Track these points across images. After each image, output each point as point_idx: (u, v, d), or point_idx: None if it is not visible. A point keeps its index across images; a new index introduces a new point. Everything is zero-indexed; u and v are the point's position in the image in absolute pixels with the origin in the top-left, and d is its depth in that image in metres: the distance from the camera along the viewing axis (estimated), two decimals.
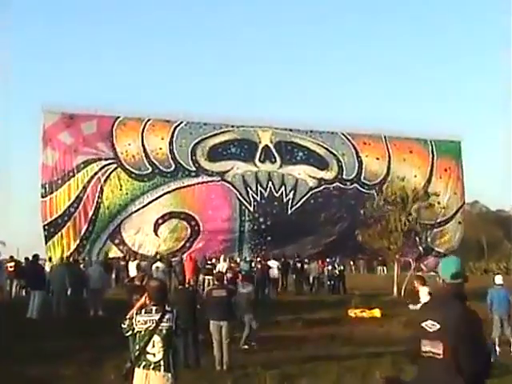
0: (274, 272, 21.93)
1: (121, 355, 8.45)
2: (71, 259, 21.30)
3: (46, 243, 24.28)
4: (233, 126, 28.04)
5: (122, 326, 5.05)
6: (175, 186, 26.24)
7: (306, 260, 24.79)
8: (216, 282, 10.71)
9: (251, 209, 26.80)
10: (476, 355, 3.31)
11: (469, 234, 34.57)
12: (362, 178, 28.63)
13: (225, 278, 17.88)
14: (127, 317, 5.05)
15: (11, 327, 11.94)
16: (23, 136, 68.42)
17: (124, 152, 25.89)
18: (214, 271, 18.87)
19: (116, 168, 25.63)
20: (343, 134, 29.31)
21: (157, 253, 23.95)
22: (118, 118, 26.39)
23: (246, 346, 10.78)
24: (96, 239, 25.09)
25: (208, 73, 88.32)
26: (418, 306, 9.18)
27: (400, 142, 30.00)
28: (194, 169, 26.57)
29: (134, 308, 5.15)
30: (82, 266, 20.33)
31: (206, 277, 20.53)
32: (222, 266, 20.80)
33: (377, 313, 15.92)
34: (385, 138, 29.68)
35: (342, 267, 23.99)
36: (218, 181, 26.76)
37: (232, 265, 21.52)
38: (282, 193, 27.42)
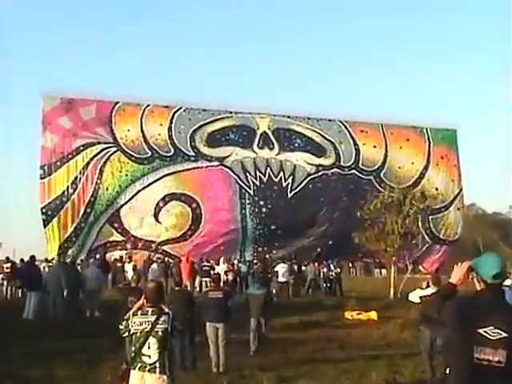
0: (282, 275, 21.43)
1: (117, 356, 8.43)
2: (68, 260, 21.20)
3: (45, 227, 24.17)
4: (231, 113, 28.29)
5: (120, 327, 5.05)
6: (175, 169, 26.33)
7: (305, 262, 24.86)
8: (212, 284, 10.69)
9: (251, 192, 26.92)
10: None
11: (465, 236, 34.66)
12: (359, 164, 28.84)
13: (225, 279, 18.06)
14: (124, 318, 5.05)
15: (7, 328, 11.90)
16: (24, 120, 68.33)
17: (123, 137, 26.05)
18: (212, 272, 18.80)
19: (116, 151, 25.72)
20: (340, 122, 29.53)
21: (157, 246, 23.76)
22: (117, 103, 26.46)
23: (253, 349, 10.51)
24: (95, 222, 24.97)
25: (207, 59, 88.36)
26: (418, 293, 9.18)
27: (397, 130, 30.38)
28: (193, 154, 26.71)
29: (130, 309, 5.16)
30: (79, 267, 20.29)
31: (204, 279, 20.42)
32: (221, 268, 20.69)
33: (373, 315, 15.90)
34: (382, 126, 29.92)
35: (338, 269, 23.98)
36: (218, 165, 26.91)
37: (230, 267, 21.54)
38: (280, 178, 27.66)
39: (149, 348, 4.86)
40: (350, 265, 33.01)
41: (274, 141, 28.12)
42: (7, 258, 20.80)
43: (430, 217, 28.08)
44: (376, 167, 29.04)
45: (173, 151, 26.49)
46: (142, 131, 26.40)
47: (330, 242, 27.25)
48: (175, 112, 27.28)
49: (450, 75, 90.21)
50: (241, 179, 27.02)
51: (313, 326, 14.19)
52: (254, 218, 26.83)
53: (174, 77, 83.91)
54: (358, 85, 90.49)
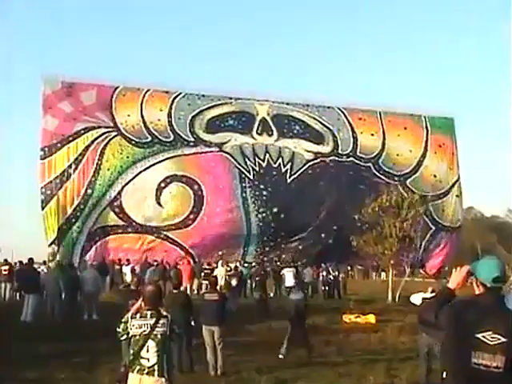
0: (290, 280, 21.07)
1: (115, 359, 8.44)
2: (65, 262, 21.19)
3: (43, 208, 24.08)
4: (231, 99, 28.35)
5: (117, 329, 5.05)
6: (174, 154, 26.41)
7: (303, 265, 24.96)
8: (209, 287, 10.71)
9: (250, 177, 27.03)
10: None
11: (463, 239, 34.71)
12: (357, 152, 29.00)
13: (228, 284, 17.98)
14: (122, 320, 5.06)
15: (5, 331, 11.89)
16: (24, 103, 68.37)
17: (123, 122, 26.13)
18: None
19: (116, 135, 25.76)
20: (339, 109, 29.68)
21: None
22: (117, 87, 26.53)
23: (281, 356, 10.41)
24: (96, 204, 24.85)
25: (206, 45, 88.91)
26: (420, 295, 9.19)
27: (394, 118, 30.60)
28: (192, 139, 26.83)
29: (129, 312, 5.16)
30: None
31: (204, 282, 20.13)
32: (219, 271, 20.61)
33: (371, 318, 15.91)
34: (380, 113, 30.11)
35: (336, 273, 23.98)
36: (217, 151, 26.99)
37: (228, 269, 21.51)
38: (279, 164, 27.78)
39: (148, 351, 4.86)
40: (349, 268, 33.07)
41: (273, 127, 28.31)
42: (5, 260, 20.80)
43: (430, 203, 28.50)
44: (374, 155, 29.29)
45: (172, 137, 26.67)
46: (142, 116, 26.57)
47: (330, 241, 27.26)
48: (175, 97, 27.44)
49: (449, 64, 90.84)
50: (240, 164, 27.18)
51: (311, 328, 14.17)
52: (256, 200, 26.96)
53: (174, 62, 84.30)
54: (357, 72, 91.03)
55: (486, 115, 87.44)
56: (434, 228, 29.05)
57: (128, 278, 20.83)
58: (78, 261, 23.31)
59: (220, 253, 25.40)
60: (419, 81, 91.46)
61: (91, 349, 10.31)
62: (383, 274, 33.39)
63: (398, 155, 29.63)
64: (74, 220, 24.42)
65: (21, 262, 18.66)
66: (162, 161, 26.06)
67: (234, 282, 18.66)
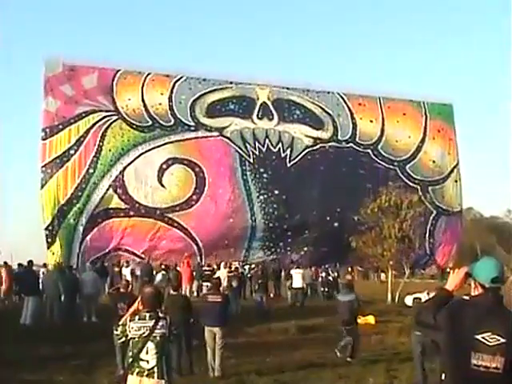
0: (299, 281, 21.09)
1: (114, 361, 8.46)
2: (64, 265, 21.16)
3: (42, 187, 23.99)
4: (231, 83, 28.41)
5: (115, 332, 5.03)
6: (175, 139, 26.53)
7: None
8: (211, 288, 10.66)
9: (251, 160, 27.16)
10: None
11: (463, 240, 34.71)
12: (356, 138, 29.15)
13: (229, 285, 17.95)
14: (120, 323, 5.05)
15: (5, 333, 11.89)
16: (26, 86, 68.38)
17: (124, 106, 26.12)
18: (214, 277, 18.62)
19: (117, 119, 25.83)
20: (338, 94, 29.80)
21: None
22: (118, 71, 26.58)
23: (349, 359, 10.31)
24: (97, 185, 24.79)
25: (208, 29, 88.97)
26: (412, 296, 9.19)
27: (394, 104, 30.70)
28: (193, 124, 26.90)
29: (124, 315, 5.14)
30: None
31: (204, 283, 20.08)
32: (221, 272, 20.57)
33: (371, 319, 15.91)
34: (379, 99, 30.25)
35: (335, 274, 23.98)
36: (217, 136, 27.09)
37: (229, 269, 21.47)
38: (279, 149, 27.86)
39: (147, 353, 4.86)
40: (351, 269, 33.03)
41: (273, 111, 28.38)
42: (5, 262, 20.73)
43: (430, 187, 28.86)
44: (373, 141, 29.47)
45: (173, 121, 26.72)
46: (143, 100, 26.60)
47: (332, 239, 27.25)
48: (176, 81, 27.51)
49: (449, 52, 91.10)
50: (240, 148, 27.34)
51: (310, 330, 14.20)
52: (256, 183, 27.08)
53: (175, 46, 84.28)
54: (356, 58, 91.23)
55: (485, 104, 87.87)
56: (435, 212, 29.27)
57: (128, 279, 20.76)
58: (78, 245, 23.50)
59: (226, 242, 25.50)
60: (418, 68, 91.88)
61: (90, 351, 10.31)
62: (383, 274, 33.39)
63: (397, 141, 29.83)
64: (74, 201, 24.37)
65: (20, 265, 18.62)
66: (163, 145, 26.20)
67: (234, 283, 18.65)
